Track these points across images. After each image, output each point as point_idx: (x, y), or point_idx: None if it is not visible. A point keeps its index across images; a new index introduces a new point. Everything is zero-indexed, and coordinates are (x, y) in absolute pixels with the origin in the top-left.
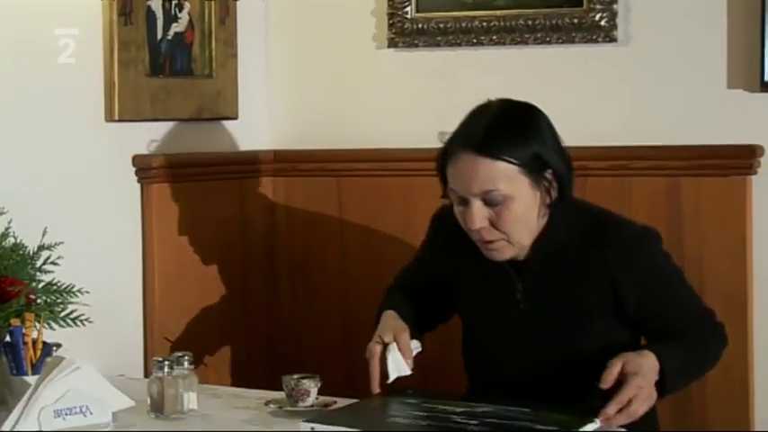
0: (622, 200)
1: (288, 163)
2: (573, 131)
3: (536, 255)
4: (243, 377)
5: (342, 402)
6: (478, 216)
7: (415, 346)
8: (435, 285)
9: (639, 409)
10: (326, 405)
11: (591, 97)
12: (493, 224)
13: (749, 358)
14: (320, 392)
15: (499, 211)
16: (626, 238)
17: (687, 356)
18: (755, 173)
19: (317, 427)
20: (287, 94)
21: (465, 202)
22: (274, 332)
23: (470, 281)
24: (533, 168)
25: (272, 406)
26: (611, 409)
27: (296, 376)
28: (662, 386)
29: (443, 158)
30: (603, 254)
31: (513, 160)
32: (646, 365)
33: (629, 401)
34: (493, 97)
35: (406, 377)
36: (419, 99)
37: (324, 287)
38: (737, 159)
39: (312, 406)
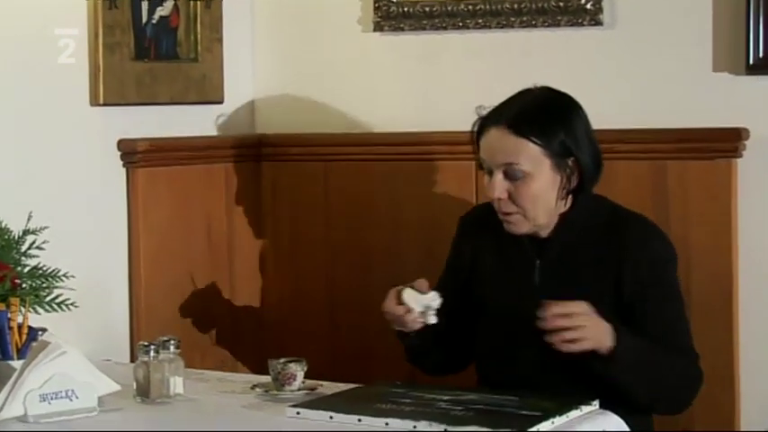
0: (607, 183)
1: (274, 147)
2: None
3: (557, 234)
4: (229, 361)
5: (328, 386)
6: (498, 186)
7: (434, 297)
8: (460, 298)
9: (574, 329)
10: (313, 389)
11: (576, 81)
12: (512, 197)
13: (735, 341)
14: (306, 376)
15: (518, 186)
16: (644, 233)
17: (648, 351)
18: (741, 156)
19: (303, 411)
20: (273, 78)
21: (491, 173)
22: (261, 316)
23: (491, 261)
24: (557, 153)
25: (258, 390)
26: (554, 308)
27: (282, 360)
28: (612, 353)
29: (479, 129)
30: (618, 241)
31: (538, 141)
32: (596, 317)
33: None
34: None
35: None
36: (405, 83)
37: (310, 272)
38: (723, 143)
39: (298, 390)
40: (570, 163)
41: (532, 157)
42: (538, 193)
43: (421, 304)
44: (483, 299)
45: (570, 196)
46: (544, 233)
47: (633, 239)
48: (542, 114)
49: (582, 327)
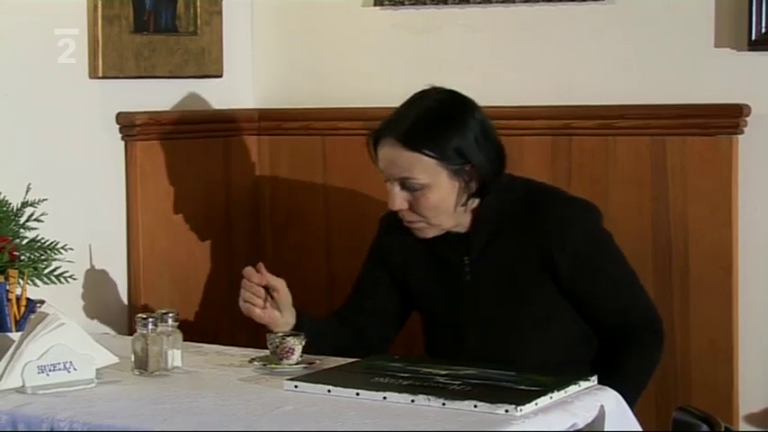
0: (607, 159)
1: (272, 121)
2: (558, 90)
3: (477, 229)
4: (227, 335)
5: (325, 361)
6: (397, 198)
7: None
8: (394, 296)
9: None
10: (311, 363)
11: (577, 56)
12: (412, 207)
13: (733, 318)
14: (304, 351)
15: (417, 197)
16: (561, 208)
17: (636, 376)
18: (742, 132)
19: (301, 385)
20: (272, 52)
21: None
22: None
23: (421, 263)
24: (452, 162)
25: (256, 363)
26: None
27: (280, 334)
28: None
29: (375, 141)
30: (540, 224)
31: (431, 154)
32: None
33: None
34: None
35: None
36: (405, 58)
37: (308, 246)
38: (724, 119)
39: (296, 363)
40: (467, 168)
41: (427, 169)
42: (437, 203)
43: None
44: (418, 295)
45: (475, 195)
46: (462, 229)
47: (554, 224)
48: (434, 125)
49: None
